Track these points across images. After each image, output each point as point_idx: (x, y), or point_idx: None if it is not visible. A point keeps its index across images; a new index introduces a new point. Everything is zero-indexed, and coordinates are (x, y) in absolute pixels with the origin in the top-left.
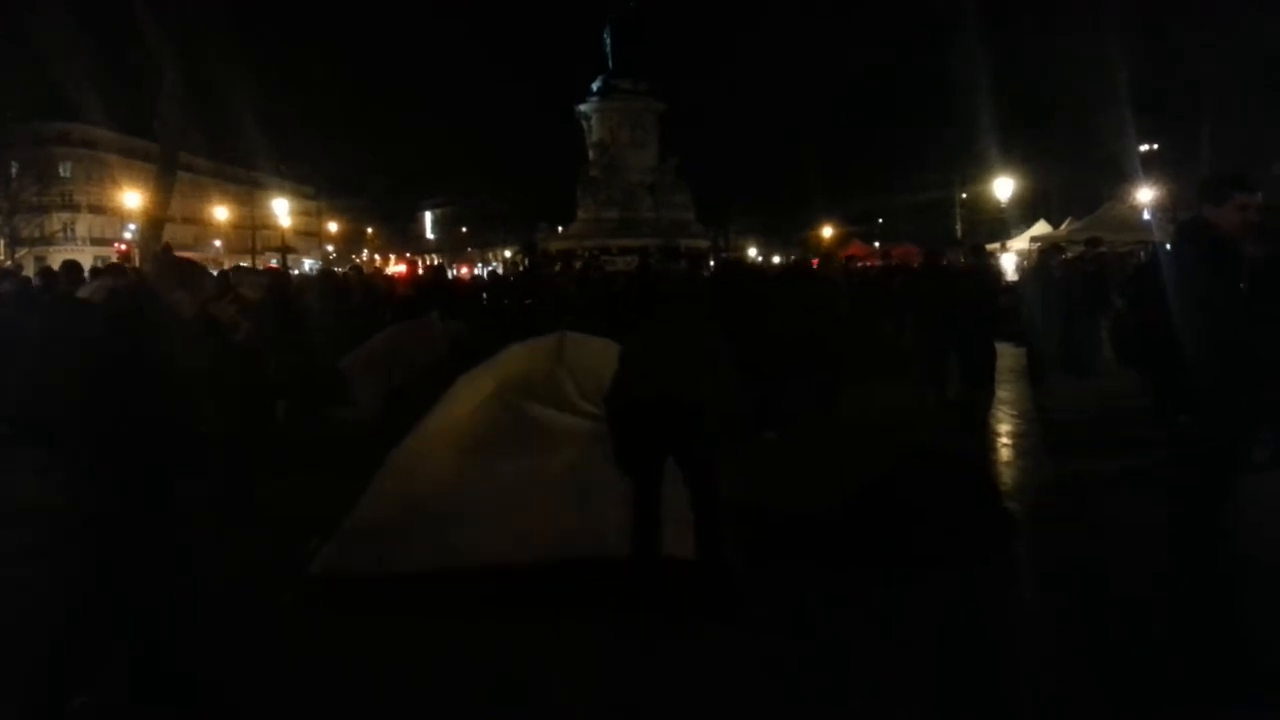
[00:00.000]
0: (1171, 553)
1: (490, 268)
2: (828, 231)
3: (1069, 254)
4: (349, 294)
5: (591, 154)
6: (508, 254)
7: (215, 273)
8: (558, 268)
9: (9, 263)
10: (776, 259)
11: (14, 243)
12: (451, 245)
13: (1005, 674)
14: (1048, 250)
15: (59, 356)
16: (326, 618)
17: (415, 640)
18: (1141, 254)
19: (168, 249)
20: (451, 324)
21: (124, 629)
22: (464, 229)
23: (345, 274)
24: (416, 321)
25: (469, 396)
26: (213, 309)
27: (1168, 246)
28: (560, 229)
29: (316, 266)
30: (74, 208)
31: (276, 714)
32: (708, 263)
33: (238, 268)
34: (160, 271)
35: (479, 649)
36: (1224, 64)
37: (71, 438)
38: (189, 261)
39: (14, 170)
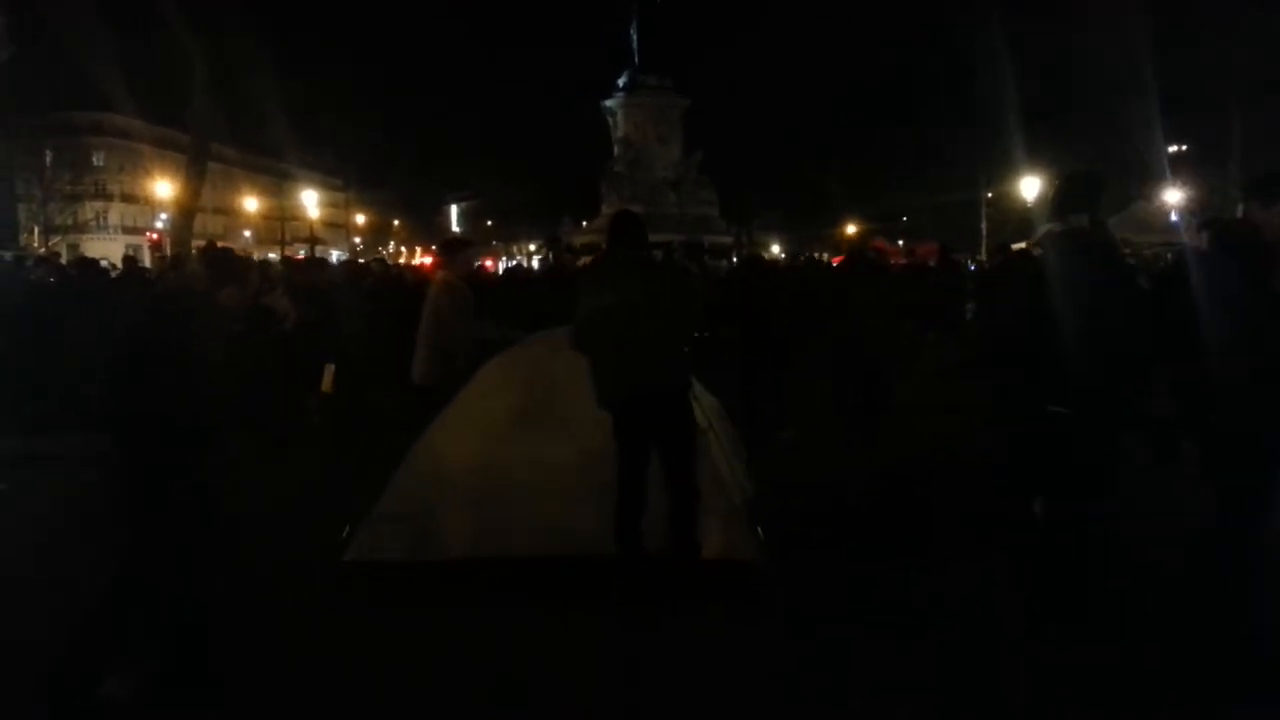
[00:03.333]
0: (1208, 552)
1: (514, 261)
2: (851, 229)
3: None
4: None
5: (616, 149)
6: (532, 247)
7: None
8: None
9: (43, 249)
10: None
11: (48, 230)
12: (476, 238)
13: (1009, 674)
14: None
15: (108, 344)
16: (327, 614)
17: (417, 636)
18: (1169, 255)
19: (212, 245)
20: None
21: (150, 614)
22: (489, 222)
23: (369, 265)
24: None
25: (496, 384)
26: (267, 300)
27: (1198, 247)
28: (584, 223)
29: (343, 258)
30: (107, 196)
31: (276, 711)
32: (730, 258)
33: (285, 259)
34: (209, 266)
35: (481, 646)
36: (1254, 63)
37: (111, 421)
38: (237, 255)
39: (49, 159)
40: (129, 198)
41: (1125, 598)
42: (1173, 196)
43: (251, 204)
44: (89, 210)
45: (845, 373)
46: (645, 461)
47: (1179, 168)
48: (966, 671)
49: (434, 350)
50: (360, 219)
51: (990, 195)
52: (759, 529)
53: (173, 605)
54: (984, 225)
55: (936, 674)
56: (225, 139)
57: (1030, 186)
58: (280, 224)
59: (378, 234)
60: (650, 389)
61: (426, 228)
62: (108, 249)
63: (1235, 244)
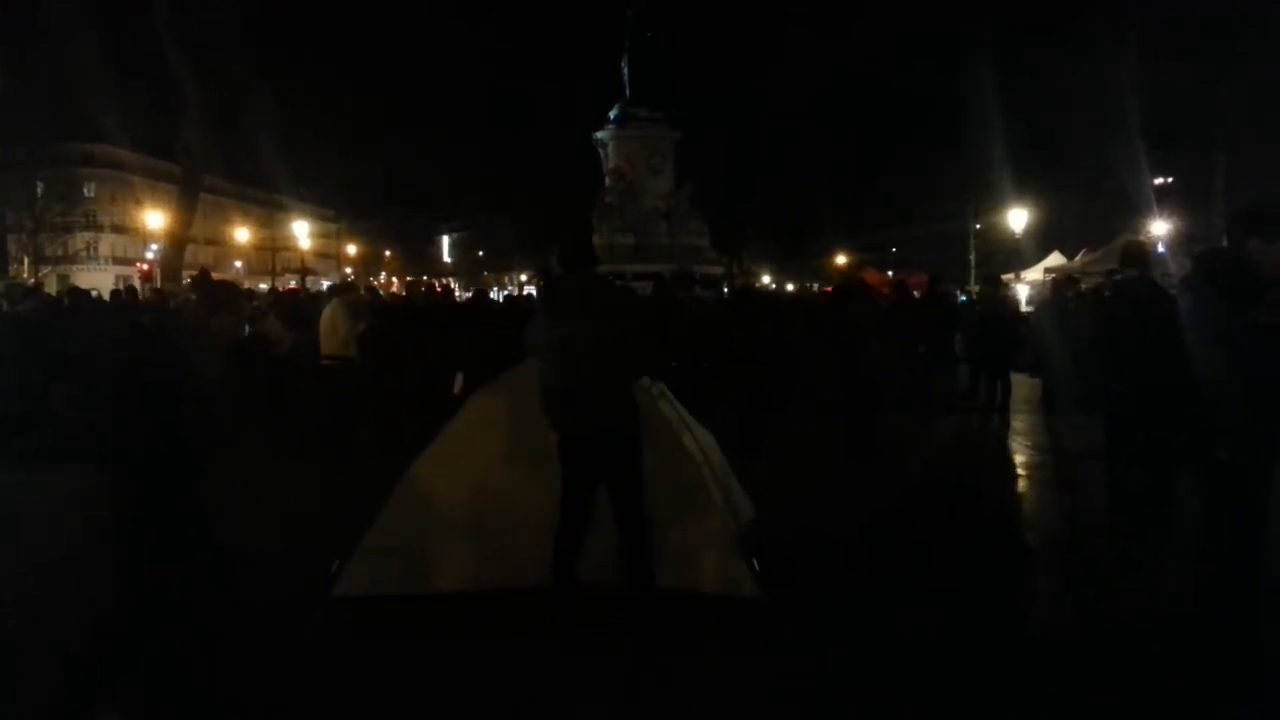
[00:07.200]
0: (1207, 580)
1: (506, 291)
2: (841, 259)
3: (1084, 286)
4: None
5: (608, 180)
6: (523, 278)
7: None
8: None
9: (33, 280)
10: (790, 286)
11: (38, 261)
12: (468, 268)
13: (1015, 709)
14: (1061, 282)
15: (104, 371)
16: (332, 640)
17: (406, 670)
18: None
19: (205, 273)
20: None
21: (149, 638)
22: (480, 253)
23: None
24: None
25: (482, 417)
26: (261, 326)
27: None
28: None
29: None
30: (97, 227)
31: None
32: (720, 289)
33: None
34: (202, 294)
35: (471, 679)
36: (1238, 96)
37: (105, 448)
38: (228, 284)
39: (39, 190)
40: (120, 229)
41: (1137, 628)
42: (1159, 229)
43: (243, 235)
44: (80, 241)
45: (855, 400)
46: (590, 495)
47: (1165, 201)
48: (974, 703)
49: None
50: (351, 249)
51: (979, 226)
52: (754, 561)
53: (162, 638)
54: (972, 256)
55: (943, 705)
56: (217, 170)
57: (1018, 218)
58: (271, 254)
59: (369, 264)
60: (595, 430)
61: (418, 257)
62: (98, 280)
63: (1218, 273)
